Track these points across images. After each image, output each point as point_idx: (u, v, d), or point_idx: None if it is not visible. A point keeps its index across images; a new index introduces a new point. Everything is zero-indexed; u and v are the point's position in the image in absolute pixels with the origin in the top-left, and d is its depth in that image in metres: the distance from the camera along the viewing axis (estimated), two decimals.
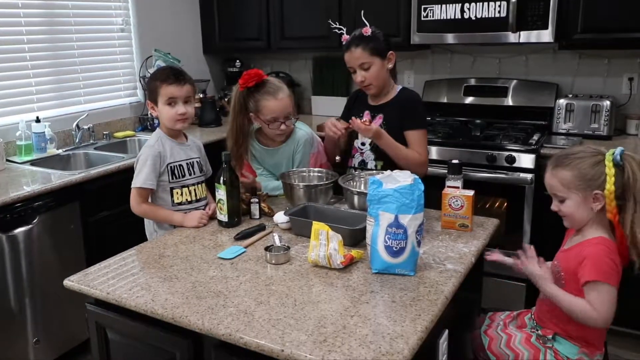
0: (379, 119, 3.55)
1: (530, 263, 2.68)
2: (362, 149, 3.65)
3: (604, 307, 2.42)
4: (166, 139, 3.29)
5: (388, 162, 3.46)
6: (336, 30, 3.64)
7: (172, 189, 3.27)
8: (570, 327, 2.61)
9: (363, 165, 3.64)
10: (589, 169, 2.52)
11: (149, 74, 3.75)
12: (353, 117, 3.36)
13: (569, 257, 2.60)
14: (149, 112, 3.31)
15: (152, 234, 3.37)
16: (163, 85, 3.19)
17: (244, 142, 3.66)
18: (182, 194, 3.30)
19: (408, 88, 3.72)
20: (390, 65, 3.55)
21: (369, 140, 3.57)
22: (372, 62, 3.45)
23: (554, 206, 2.64)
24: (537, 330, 2.73)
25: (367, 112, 3.62)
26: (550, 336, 2.66)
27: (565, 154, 2.62)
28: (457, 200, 2.93)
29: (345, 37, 3.57)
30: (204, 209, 3.29)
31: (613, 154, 2.50)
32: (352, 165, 3.68)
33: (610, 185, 2.47)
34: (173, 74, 3.23)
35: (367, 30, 3.47)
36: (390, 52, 3.54)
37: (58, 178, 4.06)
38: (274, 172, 3.73)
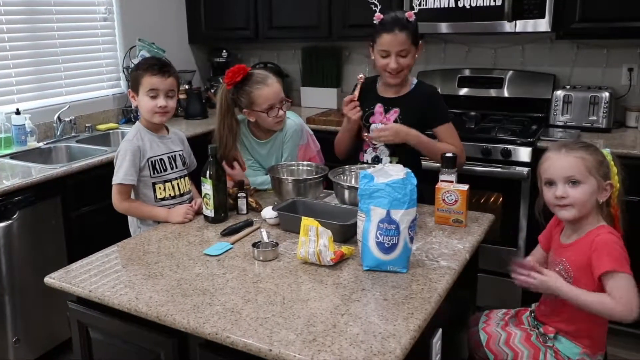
0: (394, 113, 3.50)
1: (536, 274, 2.59)
2: (374, 144, 3.58)
3: (627, 296, 2.40)
4: (145, 132, 3.29)
5: (404, 158, 3.42)
6: (372, 6, 3.56)
7: (154, 184, 3.27)
8: (574, 326, 2.61)
9: (377, 161, 3.55)
10: (603, 158, 2.55)
11: (133, 65, 3.72)
12: (367, 134, 3.42)
13: (575, 251, 2.59)
14: (132, 103, 3.29)
15: (136, 231, 3.36)
16: (146, 75, 3.18)
17: (233, 144, 3.64)
18: (164, 189, 3.29)
19: (423, 82, 3.68)
20: (417, 56, 3.49)
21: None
22: (410, 50, 3.39)
23: (561, 192, 2.55)
24: (538, 328, 2.73)
25: (378, 104, 3.54)
26: (552, 335, 2.66)
27: (575, 141, 2.63)
28: (451, 195, 2.93)
29: (379, 15, 3.44)
30: (188, 204, 3.30)
31: (608, 152, 2.54)
32: (365, 161, 3.60)
33: (616, 182, 2.50)
34: (157, 65, 3.23)
35: (412, 15, 3.39)
36: (420, 42, 3.48)
37: (39, 172, 4.04)
38: (263, 164, 3.73)
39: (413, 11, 3.39)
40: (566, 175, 2.54)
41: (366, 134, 3.52)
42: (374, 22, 3.45)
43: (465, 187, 2.94)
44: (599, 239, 2.50)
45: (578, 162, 2.52)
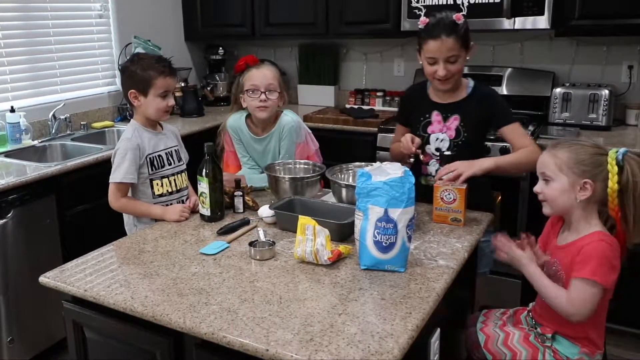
0: (454, 120, 3.36)
1: (509, 247, 2.71)
2: (437, 156, 3.41)
3: (584, 306, 2.44)
4: (143, 130, 3.29)
5: None
6: (415, 11, 3.39)
7: (151, 180, 3.28)
8: (571, 326, 2.59)
9: None
10: (587, 157, 2.52)
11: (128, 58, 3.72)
12: (439, 176, 3.08)
13: (566, 254, 2.58)
14: (131, 102, 3.27)
15: (132, 229, 3.35)
16: (160, 77, 3.20)
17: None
18: (162, 185, 3.30)
19: (480, 83, 3.50)
20: (469, 57, 3.30)
21: (447, 145, 3.37)
22: (460, 55, 3.20)
23: (538, 187, 2.64)
24: (536, 328, 2.73)
25: (435, 112, 3.40)
26: (549, 335, 2.66)
27: (569, 139, 2.64)
28: (449, 194, 2.93)
29: (424, 20, 3.26)
30: (185, 201, 3.32)
31: (616, 152, 2.51)
32: (428, 173, 3.46)
33: (613, 184, 2.47)
34: (168, 66, 3.27)
35: (461, 18, 3.19)
36: (472, 42, 3.28)
37: (33, 170, 4.04)
38: (260, 161, 3.75)
39: (462, 12, 3.22)
40: (540, 171, 2.63)
41: (417, 155, 3.32)
42: (419, 26, 3.29)
43: (464, 185, 2.94)
44: (587, 248, 2.49)
45: (548, 160, 2.58)
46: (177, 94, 5.68)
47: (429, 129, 3.39)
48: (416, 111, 3.46)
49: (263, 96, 3.56)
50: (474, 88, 3.39)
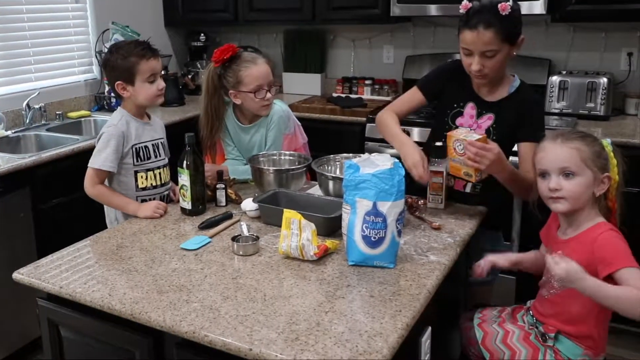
0: (487, 120, 3.18)
1: (563, 261, 2.35)
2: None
3: None
4: (131, 118, 3.27)
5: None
6: None
7: (136, 172, 3.26)
8: (575, 326, 2.60)
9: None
10: (602, 151, 2.53)
11: (106, 50, 3.69)
12: (467, 143, 2.80)
13: (574, 248, 2.55)
14: (120, 94, 3.24)
15: (113, 223, 3.35)
16: (142, 61, 3.17)
17: (219, 127, 3.69)
18: (147, 178, 3.28)
19: (526, 85, 3.26)
20: (515, 53, 3.09)
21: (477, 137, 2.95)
22: (500, 50, 2.97)
23: (554, 183, 2.52)
24: (537, 327, 2.72)
25: (470, 104, 3.21)
26: (552, 334, 2.65)
27: (573, 131, 2.60)
28: (460, 144, 2.84)
29: (466, 4, 3.01)
30: (167, 195, 3.33)
31: (608, 143, 2.53)
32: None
33: (614, 174, 2.48)
34: (148, 48, 3.24)
35: (506, 7, 2.90)
36: (522, 37, 3.08)
37: (7, 162, 4.03)
38: (245, 152, 3.74)
39: (508, 2, 2.91)
40: (560, 166, 2.52)
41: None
42: (460, 11, 3.05)
43: (477, 136, 2.82)
44: (603, 237, 2.48)
45: (573, 153, 2.50)
46: None
47: (458, 121, 3.23)
48: (451, 94, 3.29)
49: (268, 94, 3.55)
50: (518, 88, 3.19)
